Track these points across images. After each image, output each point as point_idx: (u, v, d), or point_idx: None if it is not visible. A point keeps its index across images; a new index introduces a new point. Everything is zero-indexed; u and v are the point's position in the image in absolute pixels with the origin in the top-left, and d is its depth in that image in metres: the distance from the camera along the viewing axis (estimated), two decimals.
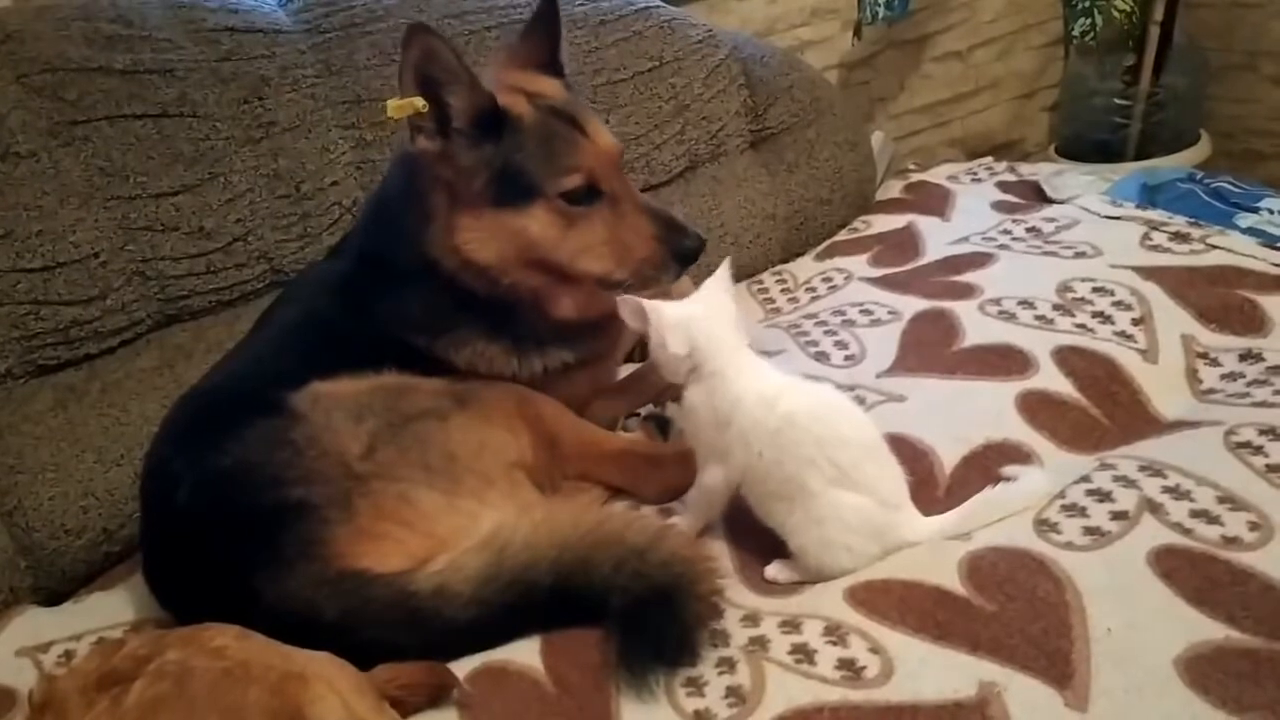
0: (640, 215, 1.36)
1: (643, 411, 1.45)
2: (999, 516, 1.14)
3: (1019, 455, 1.27)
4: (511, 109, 1.32)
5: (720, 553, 1.20)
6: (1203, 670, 0.91)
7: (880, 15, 2.54)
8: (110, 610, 1.35)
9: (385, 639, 1.07)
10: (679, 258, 1.36)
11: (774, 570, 1.15)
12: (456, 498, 1.21)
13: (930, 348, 1.51)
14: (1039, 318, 1.51)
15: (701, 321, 1.18)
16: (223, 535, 1.15)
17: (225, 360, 1.44)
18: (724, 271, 1.24)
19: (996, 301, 1.57)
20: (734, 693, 0.99)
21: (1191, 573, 1.01)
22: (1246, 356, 1.40)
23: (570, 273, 1.35)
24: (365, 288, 1.37)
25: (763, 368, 1.20)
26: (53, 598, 1.43)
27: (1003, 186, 2.11)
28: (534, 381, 1.39)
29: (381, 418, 1.23)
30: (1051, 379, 1.39)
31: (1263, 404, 1.28)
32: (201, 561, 1.16)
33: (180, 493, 1.19)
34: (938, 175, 2.26)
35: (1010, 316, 1.53)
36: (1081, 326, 1.48)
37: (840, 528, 1.10)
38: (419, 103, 1.25)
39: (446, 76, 1.26)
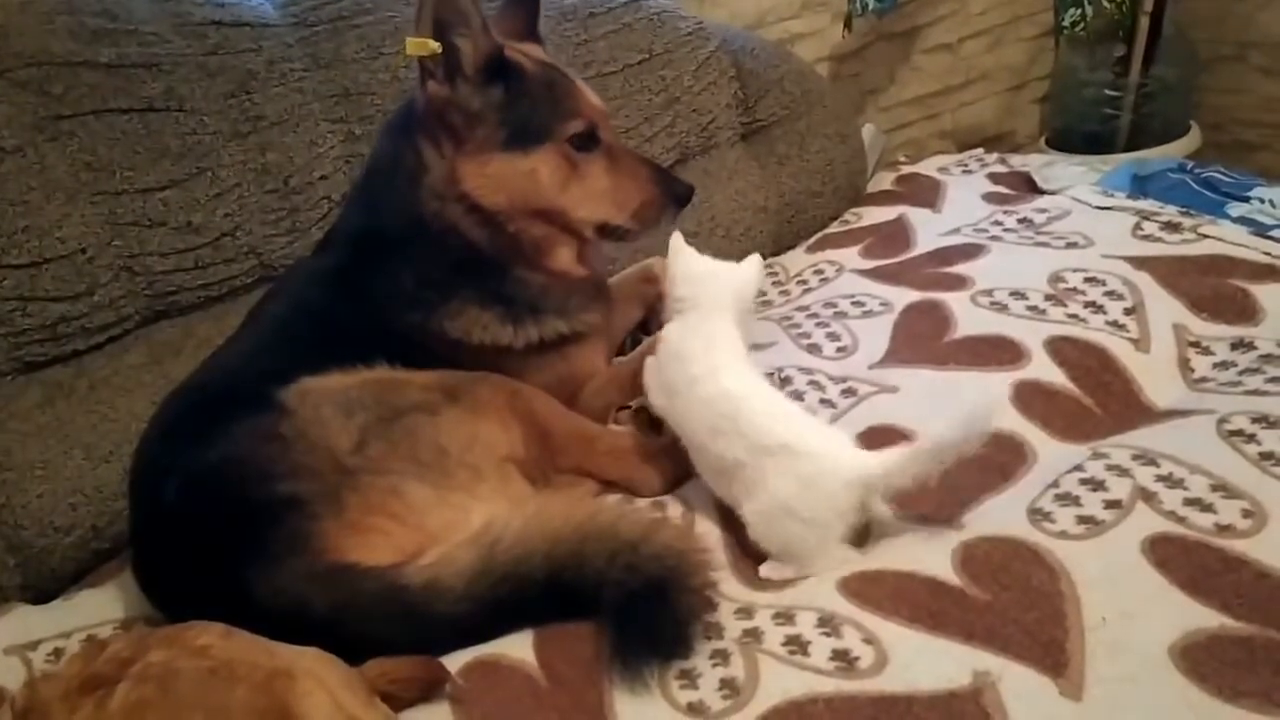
0: (635, 162, 1.45)
1: (634, 404, 1.45)
2: (946, 458, 1.07)
3: (1012, 445, 1.27)
4: (514, 59, 1.36)
5: (714, 545, 1.19)
6: (1197, 658, 0.91)
7: (870, 7, 2.53)
8: (100, 607, 1.34)
9: (376, 633, 1.07)
10: (675, 200, 1.44)
11: (767, 569, 1.15)
12: (447, 491, 1.20)
13: (922, 339, 1.51)
14: (1031, 308, 1.51)
15: (718, 280, 1.30)
16: (211, 531, 1.14)
17: (214, 356, 1.43)
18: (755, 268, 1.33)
19: (988, 292, 1.57)
20: (728, 685, 0.98)
21: (1185, 561, 1.01)
22: (1238, 345, 1.40)
23: (572, 220, 1.40)
24: (355, 274, 1.37)
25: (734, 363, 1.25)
26: (42, 595, 1.42)
27: (994, 178, 2.10)
28: (529, 352, 1.39)
29: (371, 412, 1.22)
30: (1044, 369, 1.38)
31: (1255, 392, 1.28)
32: (190, 558, 1.15)
33: (168, 489, 1.18)
34: (928, 167, 2.25)
35: (1002, 307, 1.52)
36: (1074, 316, 1.47)
37: (775, 499, 1.11)
38: (434, 44, 1.28)
39: (459, 20, 1.29)
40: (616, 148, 1.45)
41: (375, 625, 1.07)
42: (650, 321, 1.75)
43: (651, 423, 1.42)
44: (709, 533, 1.21)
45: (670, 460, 1.31)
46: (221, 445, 1.19)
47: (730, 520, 1.22)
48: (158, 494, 1.20)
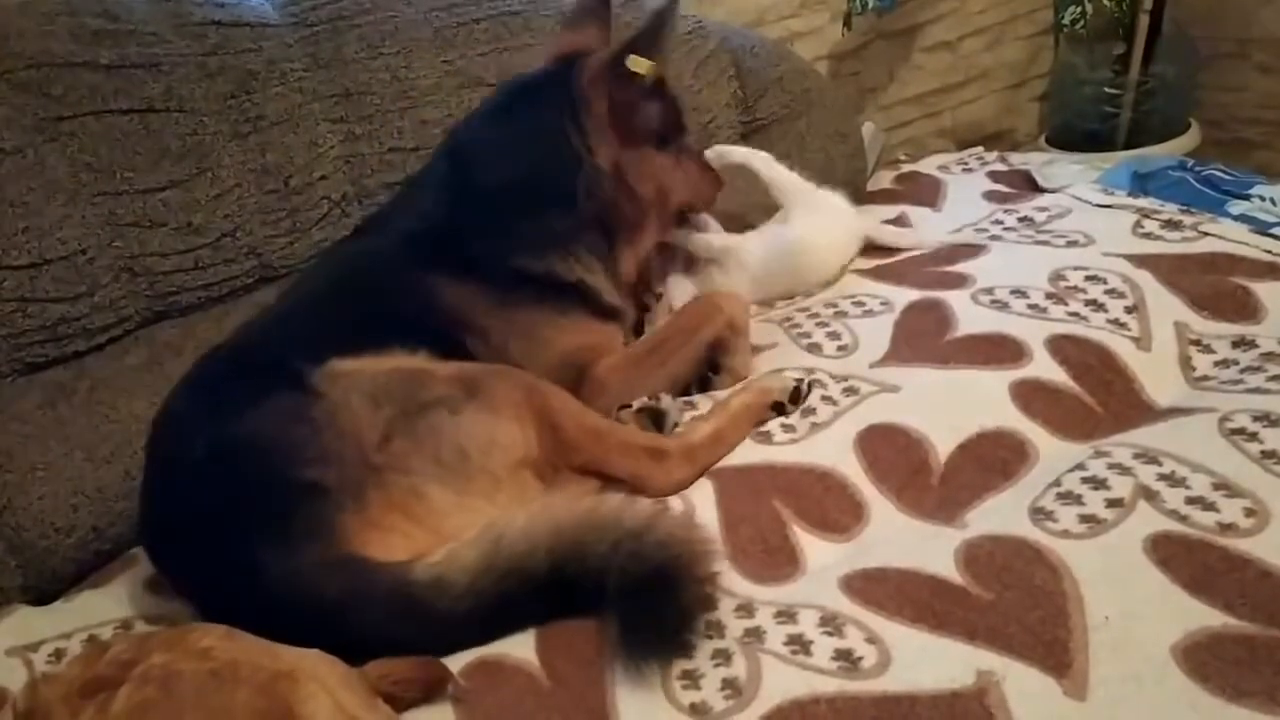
0: (697, 154, 1.75)
1: (635, 404, 1.44)
2: None
3: (1013, 444, 1.27)
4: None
5: (714, 542, 1.19)
6: (1200, 658, 0.91)
7: (870, 5, 2.53)
8: (101, 608, 1.34)
9: (381, 628, 1.07)
10: (718, 189, 1.77)
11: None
12: (466, 496, 1.21)
13: (923, 338, 1.50)
14: (1032, 306, 1.51)
15: None
16: (231, 503, 1.15)
17: (251, 323, 1.46)
18: None
19: (989, 291, 1.56)
20: (730, 685, 0.98)
21: (1188, 560, 1.01)
22: (1239, 343, 1.40)
23: (669, 206, 1.66)
24: (451, 227, 1.48)
25: None
26: (43, 597, 1.42)
27: (994, 176, 2.11)
28: (595, 310, 1.53)
29: (397, 405, 1.23)
30: (1045, 367, 1.38)
31: (1256, 390, 1.28)
32: (205, 527, 1.16)
33: (196, 452, 1.19)
34: (929, 166, 2.25)
35: (1003, 305, 1.52)
36: (1074, 315, 1.47)
37: None
38: (651, 65, 1.51)
39: (657, 49, 1.52)
40: (691, 148, 1.72)
41: (381, 620, 1.08)
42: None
43: (654, 421, 1.42)
44: (711, 530, 1.20)
45: (680, 459, 1.32)
46: (250, 418, 1.20)
47: (729, 516, 1.22)
48: (183, 453, 1.21)
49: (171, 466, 1.25)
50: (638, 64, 1.50)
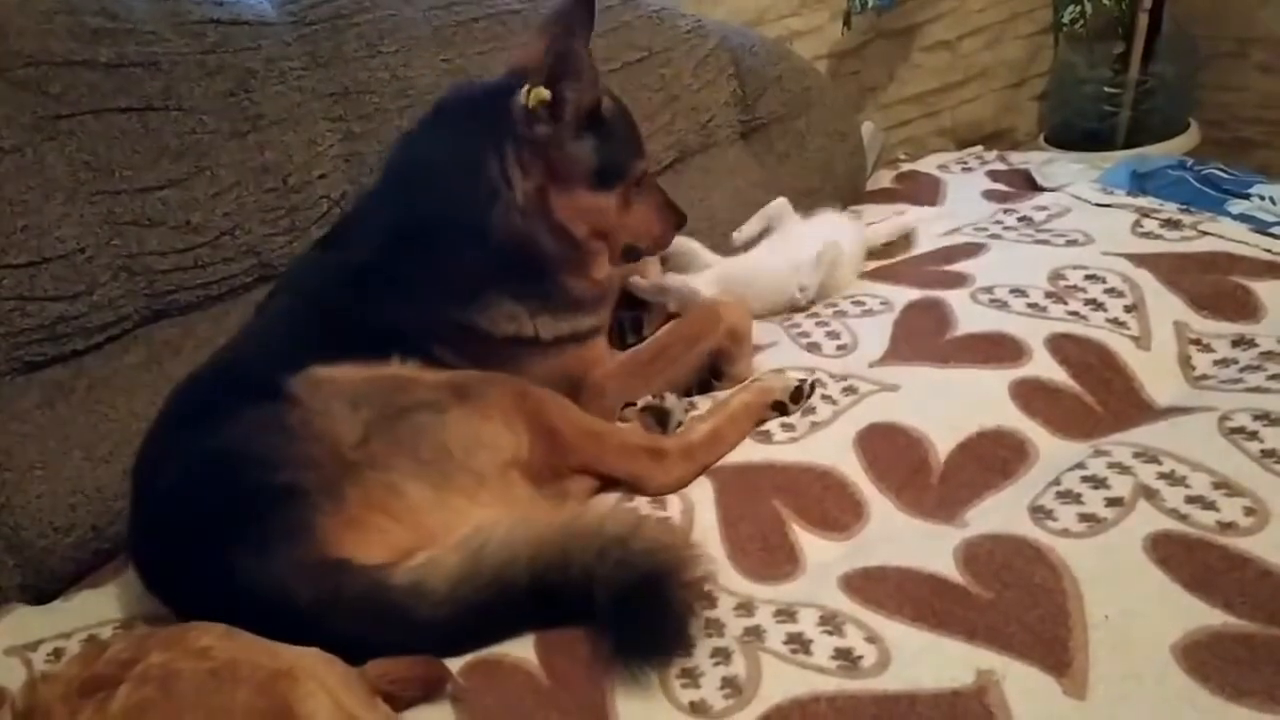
0: (659, 194, 1.63)
1: (640, 402, 1.44)
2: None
3: (1013, 443, 1.27)
4: (604, 109, 1.48)
5: (712, 540, 1.19)
6: (1200, 657, 0.91)
7: (869, 4, 2.53)
8: (100, 608, 1.33)
9: (356, 632, 1.05)
10: (678, 227, 1.66)
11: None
12: (447, 493, 1.20)
13: (923, 337, 1.51)
14: (1031, 305, 1.51)
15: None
16: (207, 514, 1.14)
17: (226, 346, 1.44)
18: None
19: (989, 290, 1.57)
20: (730, 683, 0.98)
21: (1188, 559, 1.01)
22: (1239, 342, 1.40)
23: (614, 242, 1.55)
24: (386, 269, 1.40)
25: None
26: (41, 596, 1.42)
27: (993, 175, 2.11)
28: (553, 343, 1.47)
29: (378, 408, 1.22)
30: (1045, 366, 1.38)
31: (1256, 389, 1.28)
32: (184, 540, 1.15)
33: (169, 469, 1.19)
34: (928, 165, 2.26)
35: (1003, 305, 1.52)
36: (1074, 314, 1.47)
37: None
38: (546, 94, 1.39)
39: (571, 74, 1.40)
40: (650, 180, 1.61)
41: (356, 623, 1.06)
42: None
43: (658, 420, 1.42)
44: (710, 529, 1.21)
45: (680, 460, 1.32)
46: (226, 431, 1.19)
47: (728, 515, 1.22)
48: (159, 476, 1.21)
49: (151, 489, 1.24)
50: (533, 97, 1.39)
